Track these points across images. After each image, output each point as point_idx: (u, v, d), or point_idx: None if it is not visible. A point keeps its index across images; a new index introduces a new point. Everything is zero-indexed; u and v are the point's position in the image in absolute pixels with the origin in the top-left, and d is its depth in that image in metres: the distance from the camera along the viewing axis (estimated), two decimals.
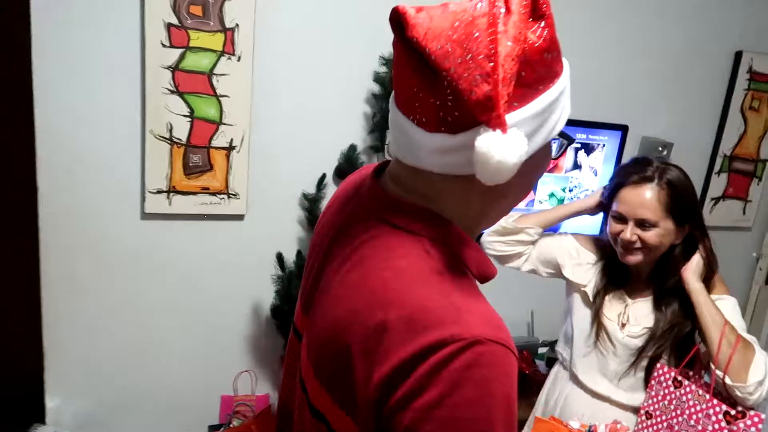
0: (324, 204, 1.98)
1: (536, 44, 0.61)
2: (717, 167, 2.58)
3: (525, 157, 0.59)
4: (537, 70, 0.62)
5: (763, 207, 2.75)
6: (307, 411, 0.72)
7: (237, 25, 1.79)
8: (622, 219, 1.39)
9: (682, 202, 1.37)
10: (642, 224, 1.36)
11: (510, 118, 0.59)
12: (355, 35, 1.95)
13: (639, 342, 1.44)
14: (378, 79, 1.90)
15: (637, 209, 1.36)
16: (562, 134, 0.72)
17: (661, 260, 1.44)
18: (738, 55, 2.46)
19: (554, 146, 0.74)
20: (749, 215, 2.73)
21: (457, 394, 0.56)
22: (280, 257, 1.91)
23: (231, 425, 1.93)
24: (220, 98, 1.84)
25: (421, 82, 0.62)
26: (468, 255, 0.67)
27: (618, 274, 1.51)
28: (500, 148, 0.57)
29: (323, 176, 1.98)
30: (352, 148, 1.99)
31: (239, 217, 1.98)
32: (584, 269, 1.55)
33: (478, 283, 0.68)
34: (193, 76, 1.80)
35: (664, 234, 1.38)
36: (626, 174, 1.41)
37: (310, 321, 0.75)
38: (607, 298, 1.51)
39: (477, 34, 0.59)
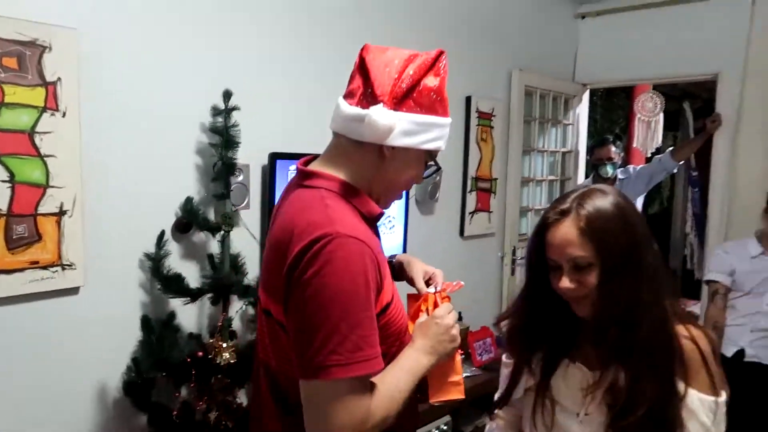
0: (168, 261, 1.88)
1: (428, 84, 1.08)
2: (468, 187, 3.24)
3: (390, 130, 1.03)
4: (423, 98, 1.07)
5: (500, 216, 3.52)
6: (262, 316, 1.11)
7: (59, 78, 1.64)
8: (556, 267, 1.12)
9: (603, 235, 1.06)
10: (576, 266, 1.08)
11: (396, 111, 1.04)
12: (186, 86, 1.95)
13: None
14: (215, 129, 1.93)
15: (564, 249, 1.08)
16: (435, 162, 1.16)
17: None
18: (468, 99, 3.17)
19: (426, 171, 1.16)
20: (493, 223, 3.46)
21: (328, 267, 0.93)
22: (145, 320, 1.74)
23: None
24: (45, 158, 1.64)
25: (358, 79, 1.08)
26: (353, 199, 1.06)
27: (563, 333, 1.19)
28: (378, 112, 1.02)
29: (162, 233, 1.89)
30: (188, 200, 1.95)
31: (74, 291, 1.75)
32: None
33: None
34: (11, 135, 1.57)
35: None
36: (545, 215, 1.13)
37: (264, 268, 1.11)
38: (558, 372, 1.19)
39: (396, 62, 1.07)
